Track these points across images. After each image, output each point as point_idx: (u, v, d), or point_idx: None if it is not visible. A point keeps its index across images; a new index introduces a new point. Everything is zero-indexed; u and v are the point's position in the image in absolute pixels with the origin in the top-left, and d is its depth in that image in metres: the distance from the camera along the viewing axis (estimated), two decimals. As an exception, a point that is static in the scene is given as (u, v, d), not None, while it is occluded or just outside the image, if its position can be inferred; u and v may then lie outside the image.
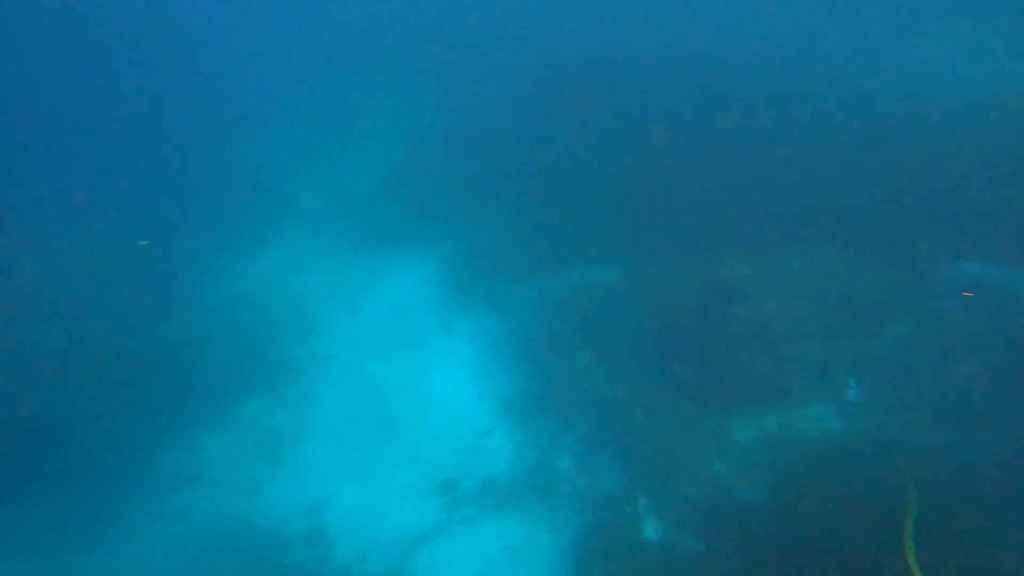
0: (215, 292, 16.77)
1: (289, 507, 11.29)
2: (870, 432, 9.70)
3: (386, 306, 15.51)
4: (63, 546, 10.95)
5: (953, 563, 7.60)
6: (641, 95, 18.83)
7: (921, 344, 11.28)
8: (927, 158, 13.32)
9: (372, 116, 23.98)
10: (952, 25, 19.32)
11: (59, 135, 24.63)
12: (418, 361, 13.60)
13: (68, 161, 23.39)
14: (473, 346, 13.58)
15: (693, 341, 11.05)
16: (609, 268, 13.59)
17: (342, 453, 12.13)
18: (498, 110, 20.87)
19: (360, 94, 25.78)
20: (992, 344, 10.82)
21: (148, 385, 13.18)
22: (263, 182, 21.60)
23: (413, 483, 11.05)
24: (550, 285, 13.77)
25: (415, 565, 9.81)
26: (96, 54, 30.08)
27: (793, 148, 14.59)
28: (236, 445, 12.64)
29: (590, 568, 8.68)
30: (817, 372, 10.76)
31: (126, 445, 12.21)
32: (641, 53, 21.05)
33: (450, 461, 11.17)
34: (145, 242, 18.16)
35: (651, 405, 10.41)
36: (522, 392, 11.93)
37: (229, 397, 13.58)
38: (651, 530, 8.97)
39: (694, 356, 10.91)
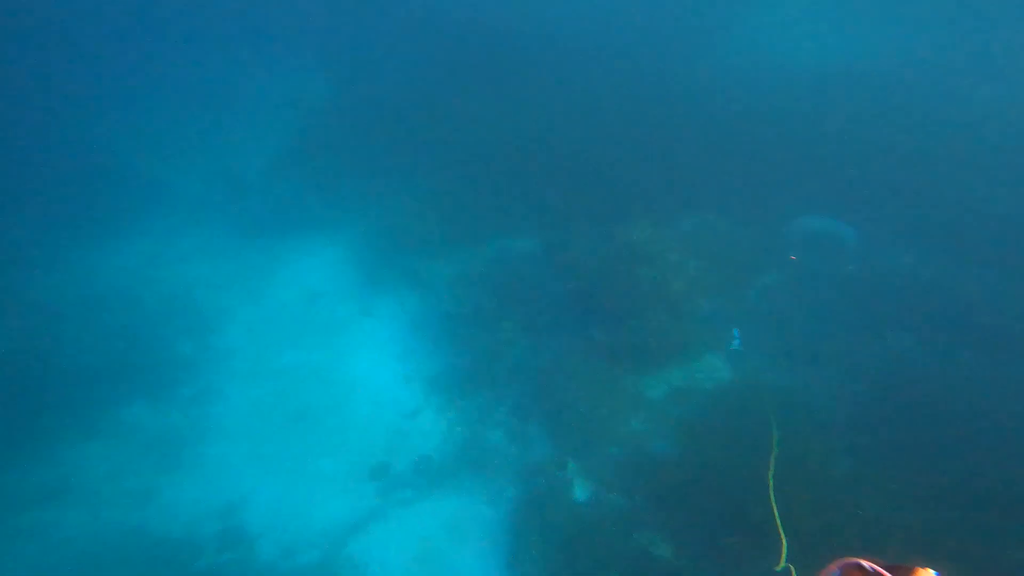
0: (61, 289, 15.12)
1: (197, 511, 10.77)
2: (749, 378, 11.06)
3: (294, 292, 14.84)
4: None
5: (797, 478, 8.90)
6: (544, 66, 19.07)
7: (780, 292, 12.92)
8: (782, 130, 14.90)
9: (255, 91, 22.12)
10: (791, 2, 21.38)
11: None
12: (336, 346, 13.26)
13: None
14: (394, 327, 13.46)
15: (606, 304, 11.80)
16: (525, 238, 13.99)
17: (258, 449, 11.68)
18: (396, 83, 20.17)
19: (240, 68, 23.56)
20: (825, 287, 12.65)
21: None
22: (122, 164, 19.40)
23: (342, 471, 10.95)
24: (469, 259, 13.93)
25: (351, 552, 9.85)
26: None
27: (682, 122, 15.63)
28: (116, 454, 11.71)
29: (527, 534, 9.20)
30: (708, 325, 12.00)
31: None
32: (546, 23, 21.16)
33: (380, 445, 11.17)
34: None
35: (573, 371, 11.05)
36: (448, 369, 12.10)
37: (100, 404, 12.49)
38: (580, 491, 9.67)
39: (608, 319, 11.67)
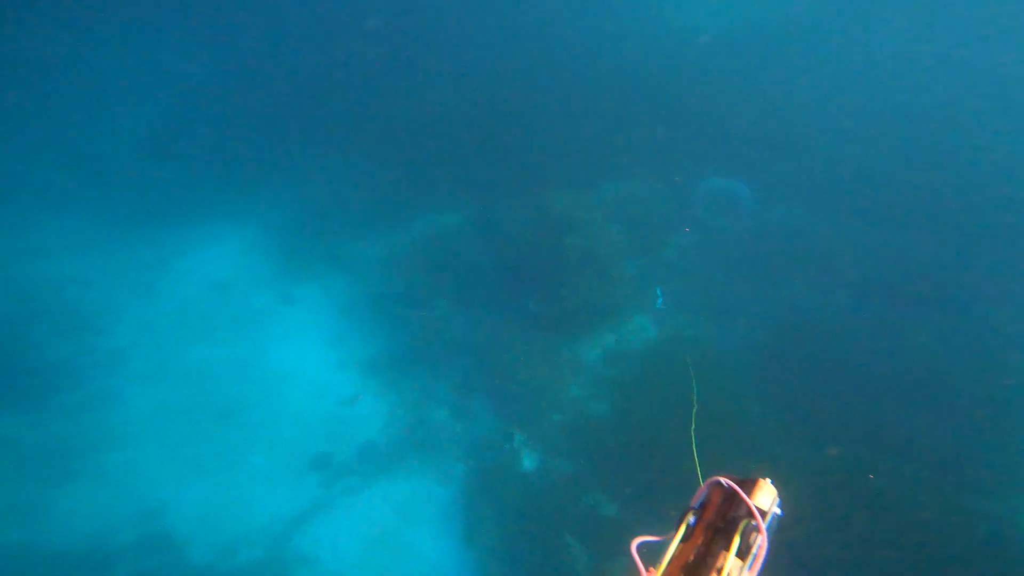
0: None
1: (106, 521, 9.99)
2: (673, 334, 11.85)
3: (196, 285, 13.57)
4: None
5: (715, 412, 9.82)
6: (460, 41, 18.22)
7: (695, 250, 13.86)
8: (688, 96, 15.62)
9: (115, 67, 19.15)
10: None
11: None
12: (256, 338, 12.41)
13: None
14: (321, 313, 12.78)
15: (538, 274, 11.98)
16: (453, 213, 13.71)
17: (175, 451, 10.87)
18: (296, 56, 18.43)
19: (94, 42, 20.14)
20: (730, 243, 13.80)
21: None
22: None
23: (279, 465, 10.48)
24: (394, 238, 13.46)
25: (299, 545, 9.58)
26: None
27: (595, 93, 15.77)
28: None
29: (480, 509, 9.38)
30: (634, 287, 12.59)
31: None
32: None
33: (319, 435, 10.75)
34: None
35: (511, 342, 11.19)
36: (385, 351, 11.79)
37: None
38: (528, 461, 9.97)
39: (541, 288, 11.87)
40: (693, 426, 8.95)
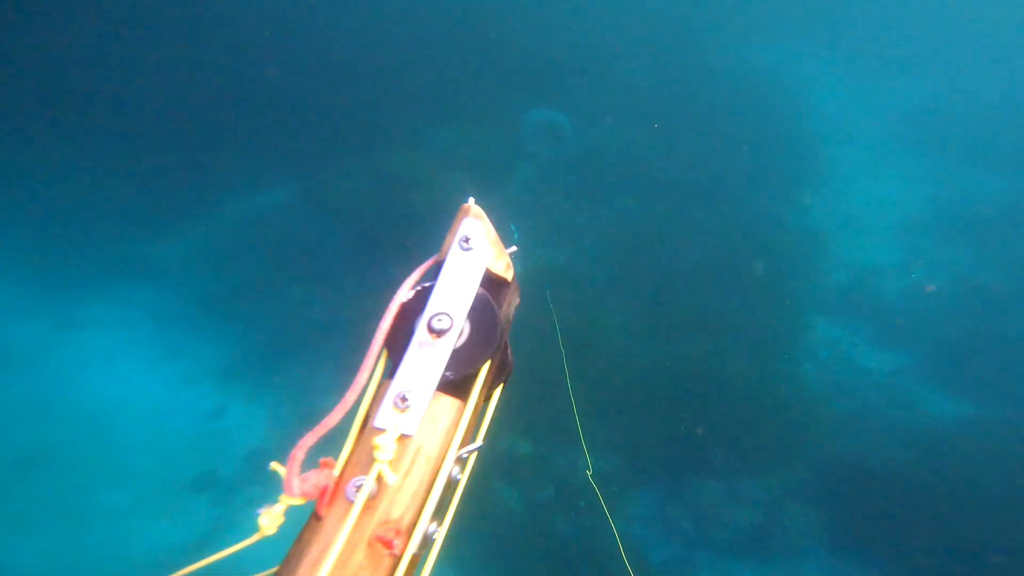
0: None
1: None
2: (536, 265, 12.52)
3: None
4: None
5: (570, 322, 11.04)
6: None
7: (534, 180, 14.51)
8: (497, 37, 15.51)
9: None
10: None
11: None
12: (40, 374, 10.18)
13: None
14: (133, 329, 10.87)
15: (391, 237, 11.57)
16: (273, 190, 12.24)
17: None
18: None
19: None
20: (564, 172, 14.74)
21: None
22: None
23: (147, 497, 9.20)
24: (205, 228, 11.62)
25: (215, 568, 8.82)
26: None
27: (404, 41, 14.76)
28: None
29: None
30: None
31: None
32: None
33: (190, 456, 9.59)
34: None
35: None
36: (241, 353, 10.61)
37: None
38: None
39: (398, 251, 11.52)
40: (562, 349, 9.88)
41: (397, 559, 1.09)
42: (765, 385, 10.38)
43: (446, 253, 1.34)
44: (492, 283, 1.30)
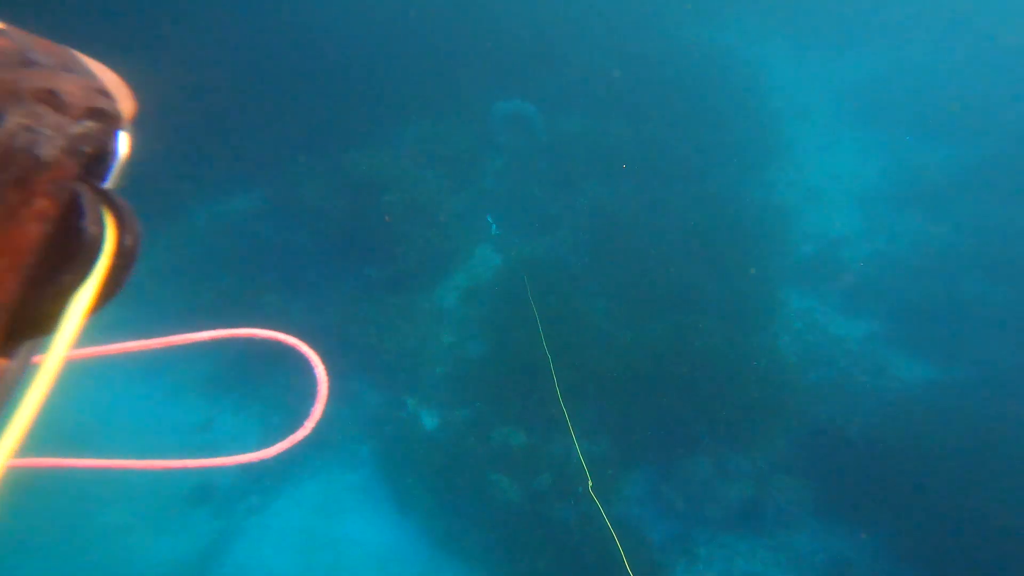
0: None
1: None
2: (514, 256, 12.60)
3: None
4: None
5: (552, 311, 11.24)
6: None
7: (506, 171, 14.54)
8: (462, 30, 15.31)
9: None
10: None
11: None
12: (14, 398, 9.77)
13: None
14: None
15: (367, 240, 11.48)
16: (238, 196, 11.92)
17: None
18: None
19: None
20: (536, 161, 14.80)
21: None
22: None
23: (145, 515, 9.08)
24: (169, 240, 11.25)
25: None
26: None
27: (380, 39, 14.39)
28: None
29: (401, 479, 9.40)
30: (467, 222, 12.85)
31: None
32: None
33: (185, 471, 9.43)
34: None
35: (365, 314, 10.80)
36: (223, 364, 10.42)
37: None
38: (428, 420, 10.10)
39: (376, 252, 11.45)
40: (542, 335, 10.03)
41: None
42: (744, 359, 10.71)
43: None
44: None
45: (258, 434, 9.94)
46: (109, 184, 0.80)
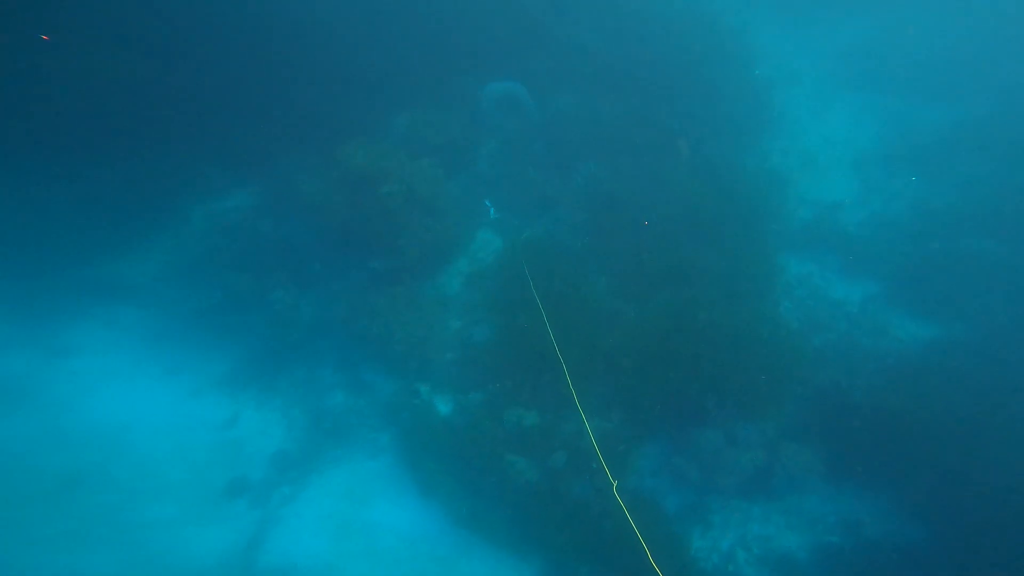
0: None
1: None
2: (511, 237, 12.66)
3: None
4: None
5: (555, 292, 11.38)
6: None
7: (501, 154, 14.52)
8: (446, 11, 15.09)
9: None
10: None
11: None
12: (47, 402, 10.08)
13: None
14: (129, 350, 10.69)
15: (368, 232, 11.51)
16: (235, 194, 11.91)
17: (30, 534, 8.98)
18: None
19: None
20: (529, 142, 14.76)
21: None
22: None
23: (189, 507, 9.32)
24: (171, 241, 11.30)
25: (265, 565, 9.01)
26: None
27: (365, 28, 14.20)
28: None
29: (423, 466, 9.60)
30: (465, 207, 12.89)
31: None
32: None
33: (215, 465, 9.69)
34: None
35: (372, 306, 10.90)
36: (241, 360, 10.56)
37: None
38: (443, 405, 10.29)
39: (378, 244, 11.50)
40: (538, 300, 10.10)
41: None
42: (747, 328, 10.85)
43: None
44: None
45: (282, 426, 10.14)
46: None
